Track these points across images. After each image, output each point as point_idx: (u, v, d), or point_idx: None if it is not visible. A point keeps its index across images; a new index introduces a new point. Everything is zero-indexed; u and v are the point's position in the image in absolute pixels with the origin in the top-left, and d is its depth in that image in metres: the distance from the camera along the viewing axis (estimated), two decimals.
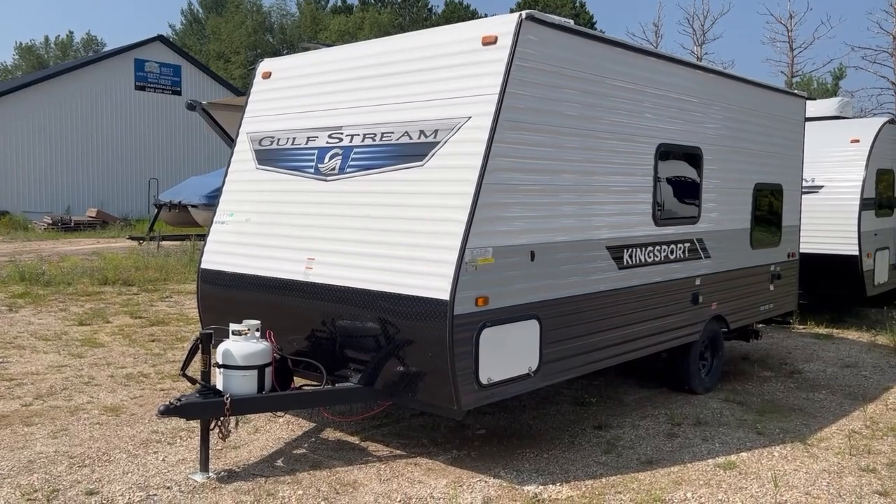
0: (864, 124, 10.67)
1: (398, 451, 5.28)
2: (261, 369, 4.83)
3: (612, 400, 6.67)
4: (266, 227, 5.75)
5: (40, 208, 26.61)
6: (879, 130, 10.18)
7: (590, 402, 6.54)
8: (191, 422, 5.31)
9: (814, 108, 10.92)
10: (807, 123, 8.56)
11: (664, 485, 4.79)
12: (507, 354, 4.79)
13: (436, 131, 4.86)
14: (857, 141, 10.09)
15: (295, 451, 5.25)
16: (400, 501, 4.46)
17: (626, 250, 5.77)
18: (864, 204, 9.85)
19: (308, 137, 5.67)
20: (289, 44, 54.07)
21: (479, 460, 5.14)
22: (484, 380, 4.62)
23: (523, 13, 4.74)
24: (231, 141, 6.87)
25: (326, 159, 5.46)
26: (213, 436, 4.79)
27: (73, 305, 10.74)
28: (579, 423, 5.99)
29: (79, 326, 9.28)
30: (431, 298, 4.52)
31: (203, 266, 6.11)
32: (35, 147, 27.16)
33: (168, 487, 4.57)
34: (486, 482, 4.76)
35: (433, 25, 5.19)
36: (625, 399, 6.70)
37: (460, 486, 4.69)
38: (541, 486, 4.71)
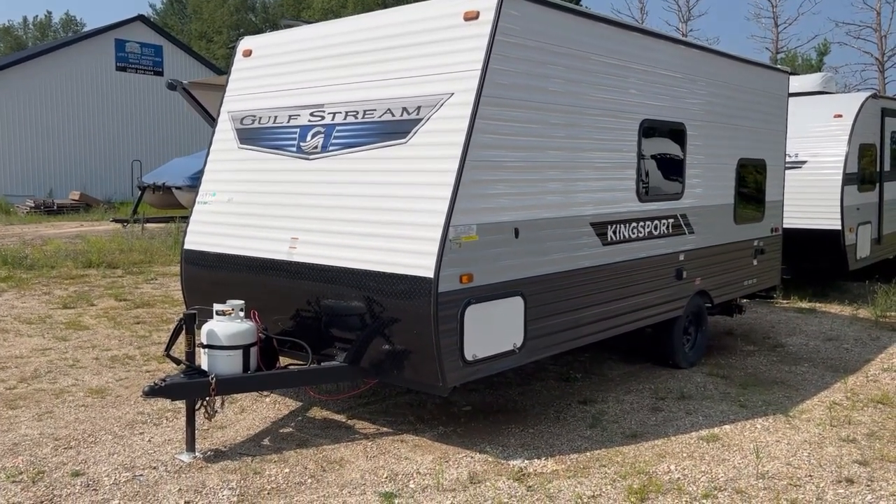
0: (847, 99, 10.71)
1: (384, 429, 5.30)
2: (246, 349, 4.83)
3: (596, 375, 6.72)
4: (249, 207, 5.71)
5: (22, 192, 26.30)
6: (862, 105, 10.22)
7: (575, 378, 6.59)
8: (176, 402, 5.32)
9: (797, 83, 10.94)
10: (790, 99, 8.58)
11: (648, 458, 4.85)
12: (492, 331, 4.81)
13: (418, 108, 4.83)
14: (840, 116, 10.13)
15: (281, 430, 5.26)
16: (386, 478, 4.49)
17: (610, 226, 5.78)
18: (847, 179, 9.91)
19: (290, 116, 5.62)
20: (271, 22, 53.51)
21: (465, 436, 5.17)
22: (469, 356, 4.63)
23: None
24: (213, 120, 6.81)
25: (309, 137, 5.42)
26: (199, 416, 4.80)
27: (56, 289, 10.66)
28: (564, 399, 6.03)
29: (63, 310, 9.22)
30: (416, 276, 4.52)
31: (186, 247, 6.07)
32: (15, 130, 26.78)
33: (154, 468, 4.57)
34: (472, 457, 4.79)
35: (416, 2, 5.14)
36: (609, 374, 6.76)
37: (446, 461, 4.72)
38: (526, 461, 4.75)
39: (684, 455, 4.91)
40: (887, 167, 11.20)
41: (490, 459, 4.77)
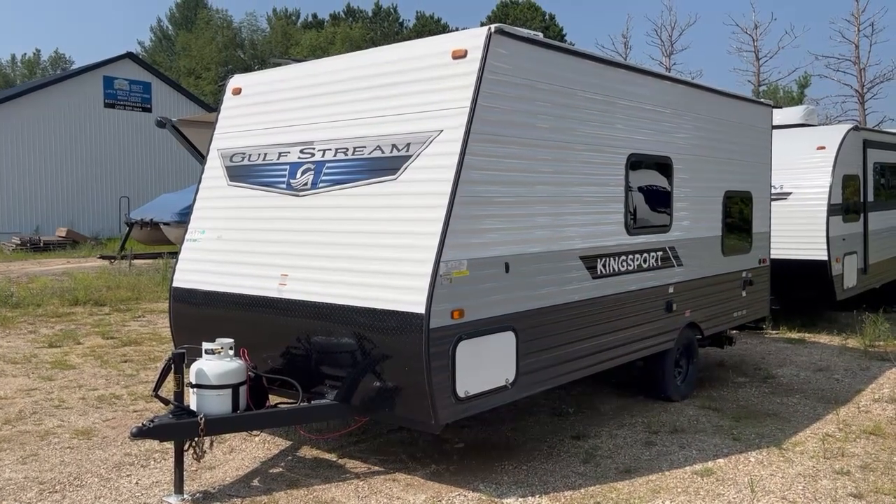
0: (830, 131, 10.87)
1: (376, 468, 5.24)
2: (235, 388, 4.77)
3: (589, 409, 6.68)
4: (239, 244, 5.69)
5: (8, 228, 26.15)
6: (844, 137, 10.37)
7: (567, 413, 6.55)
8: (165, 443, 5.23)
9: (780, 116, 11.11)
10: (774, 131, 8.70)
11: (643, 493, 4.80)
12: (484, 367, 4.78)
13: (408, 145, 4.86)
14: (824, 148, 10.27)
15: (271, 471, 5.18)
16: None
17: (599, 260, 5.80)
18: (832, 209, 10.02)
19: (280, 153, 5.64)
20: (260, 59, 53.93)
21: (458, 474, 5.11)
22: (461, 393, 4.60)
23: (493, 27, 4.77)
24: (202, 158, 6.81)
25: (298, 174, 5.44)
26: (188, 457, 4.72)
27: (42, 327, 10.54)
28: (557, 434, 5.99)
29: (49, 348, 9.11)
30: (407, 312, 4.50)
31: (175, 284, 6.03)
32: (2, 166, 26.72)
33: None
34: (465, 496, 4.73)
35: (404, 40, 5.21)
36: (602, 408, 6.72)
37: (439, 500, 4.66)
38: (520, 499, 4.70)
39: (679, 490, 4.87)
40: (871, 198, 11.34)
41: (484, 498, 4.71)
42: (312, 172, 5.36)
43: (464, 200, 4.61)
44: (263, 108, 5.91)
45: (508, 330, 4.93)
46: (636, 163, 6.20)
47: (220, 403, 4.72)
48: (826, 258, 9.88)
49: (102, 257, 20.49)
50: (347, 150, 5.21)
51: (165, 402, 4.73)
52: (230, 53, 55.05)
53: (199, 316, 5.82)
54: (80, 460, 5.32)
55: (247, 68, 48.90)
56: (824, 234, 9.89)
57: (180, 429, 4.58)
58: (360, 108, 5.23)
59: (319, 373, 5.06)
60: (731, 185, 7.66)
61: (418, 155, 4.79)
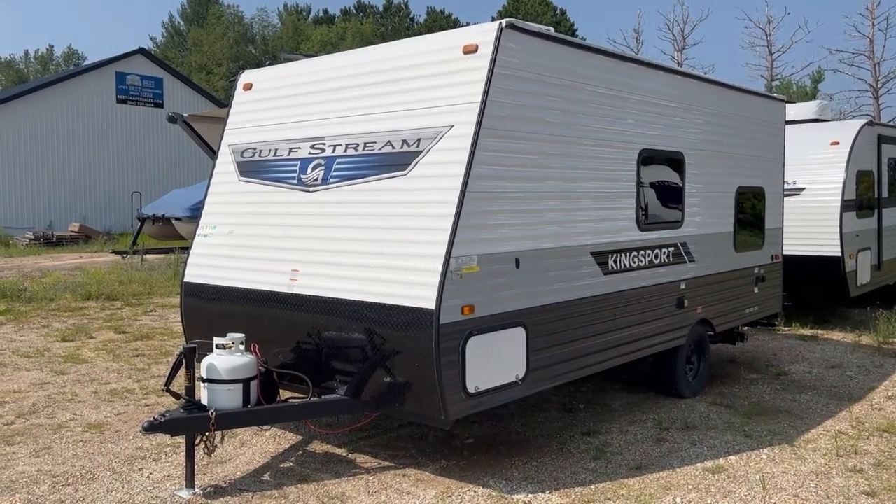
0: (844, 126, 10.78)
1: (386, 463, 5.24)
2: (246, 383, 4.79)
3: (600, 406, 6.66)
4: (249, 239, 5.71)
5: (22, 224, 26.33)
6: (858, 132, 10.28)
7: (578, 409, 6.53)
8: (176, 437, 5.26)
9: (793, 111, 11.03)
10: (787, 127, 8.63)
11: (653, 490, 4.79)
12: (494, 363, 4.78)
13: (418, 140, 4.85)
14: (837, 143, 10.19)
15: (282, 465, 5.20)
16: None
17: (610, 256, 5.78)
18: (846, 205, 9.93)
19: (290, 148, 5.65)
20: (271, 55, 54.00)
21: (467, 470, 5.11)
22: (471, 389, 4.60)
23: (503, 21, 4.75)
24: (213, 153, 6.83)
25: (309, 170, 5.44)
26: (199, 451, 4.75)
27: (55, 321, 10.62)
28: (568, 430, 5.97)
29: (61, 343, 9.17)
30: (417, 308, 4.50)
31: (186, 279, 6.05)
32: (16, 162, 26.91)
33: None
34: (475, 492, 4.73)
35: (415, 35, 5.19)
36: (613, 405, 6.70)
37: (449, 496, 4.66)
38: (530, 495, 4.69)
39: (690, 487, 4.85)
40: (885, 193, 11.24)
41: (494, 494, 4.70)
42: (323, 168, 5.36)
43: (474, 196, 4.60)
44: (274, 103, 5.91)
45: (519, 326, 4.92)
46: (648, 158, 6.17)
47: (230, 398, 4.74)
48: (839, 254, 9.80)
49: (115, 252, 20.60)
50: (358, 145, 5.20)
51: (177, 396, 4.75)
52: (241, 49, 55.16)
53: (210, 311, 5.84)
54: (93, 454, 5.35)
55: (258, 64, 49.01)
56: (838, 230, 9.81)
57: (191, 423, 4.60)
58: (371, 104, 5.22)
59: (330, 368, 5.07)
60: (743, 180, 7.60)
61: (429, 150, 4.78)
